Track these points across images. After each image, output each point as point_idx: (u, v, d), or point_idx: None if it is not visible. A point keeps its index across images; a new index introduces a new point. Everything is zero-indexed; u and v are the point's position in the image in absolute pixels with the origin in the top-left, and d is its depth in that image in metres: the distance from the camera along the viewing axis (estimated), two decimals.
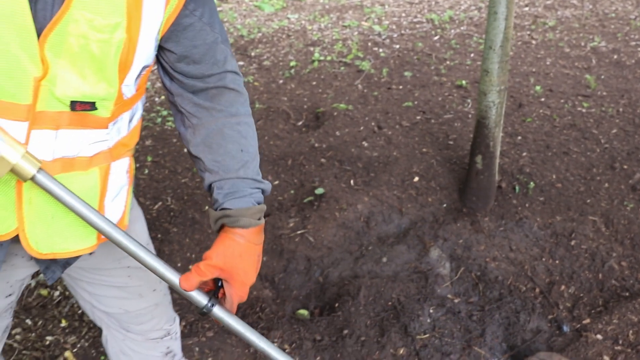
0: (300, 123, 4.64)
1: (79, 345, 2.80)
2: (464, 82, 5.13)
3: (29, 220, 1.37)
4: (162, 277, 1.38)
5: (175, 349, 1.96)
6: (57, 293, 3.07)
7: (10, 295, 1.62)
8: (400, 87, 5.10)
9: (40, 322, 2.92)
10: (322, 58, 5.82)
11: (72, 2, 1.19)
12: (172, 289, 1.43)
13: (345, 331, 2.81)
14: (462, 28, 6.62)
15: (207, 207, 3.58)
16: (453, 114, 4.58)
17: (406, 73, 5.37)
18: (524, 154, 4.04)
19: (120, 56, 1.28)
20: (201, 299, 1.40)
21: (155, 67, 1.49)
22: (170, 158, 4.13)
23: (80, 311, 2.96)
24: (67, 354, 2.74)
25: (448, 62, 5.65)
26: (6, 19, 1.15)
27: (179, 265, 3.19)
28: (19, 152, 1.21)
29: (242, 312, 2.97)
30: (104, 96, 1.30)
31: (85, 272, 1.66)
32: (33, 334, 2.85)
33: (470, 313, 2.94)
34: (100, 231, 1.34)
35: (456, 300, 3.02)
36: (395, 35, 6.41)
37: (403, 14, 7.14)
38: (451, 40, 6.24)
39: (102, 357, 2.71)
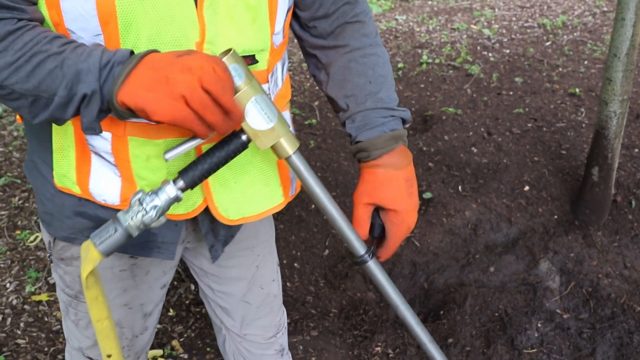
0: (407, 126, 4.58)
1: (185, 335, 2.85)
2: (577, 90, 4.96)
3: (215, 190, 1.38)
4: (336, 220, 1.35)
5: (284, 344, 1.97)
6: None
7: (165, 285, 1.67)
8: (511, 93, 4.98)
9: None
10: (430, 60, 5.75)
11: None
12: (340, 231, 1.38)
13: (450, 340, 2.76)
14: (575, 34, 6.41)
15: (313, 206, 3.59)
16: (566, 122, 4.43)
17: (517, 79, 5.24)
18: None
19: (269, 2, 1.28)
20: (360, 247, 1.37)
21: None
22: None
23: (187, 301, 3.02)
24: (175, 342, 2.80)
25: (560, 69, 5.47)
26: None
27: (284, 262, 3.21)
28: (285, 127, 1.16)
29: (346, 313, 2.97)
30: (261, 47, 1.31)
31: (215, 265, 1.68)
32: None
33: (580, 330, 2.83)
34: (324, 207, 1.31)
35: (565, 316, 2.91)
36: (505, 40, 6.27)
37: (513, 18, 6.97)
38: (564, 46, 6.05)
39: (208, 349, 2.76)
